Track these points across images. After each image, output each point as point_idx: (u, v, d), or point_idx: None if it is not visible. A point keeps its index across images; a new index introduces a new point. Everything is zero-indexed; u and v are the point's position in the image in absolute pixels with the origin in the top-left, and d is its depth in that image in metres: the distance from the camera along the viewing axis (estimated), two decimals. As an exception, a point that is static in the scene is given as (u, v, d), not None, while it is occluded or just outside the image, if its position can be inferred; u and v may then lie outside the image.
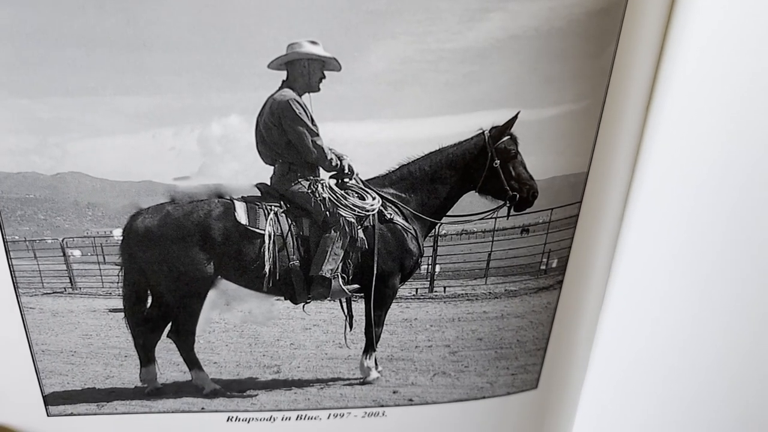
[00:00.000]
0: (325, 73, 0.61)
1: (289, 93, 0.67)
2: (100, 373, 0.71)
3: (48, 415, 0.69)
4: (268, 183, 0.72)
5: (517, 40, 0.57)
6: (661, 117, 0.63)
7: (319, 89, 0.64)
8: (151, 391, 0.71)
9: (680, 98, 0.62)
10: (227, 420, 0.70)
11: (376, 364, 0.73)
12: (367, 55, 0.58)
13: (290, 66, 0.64)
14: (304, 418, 0.71)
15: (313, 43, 0.58)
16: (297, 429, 0.72)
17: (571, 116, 0.62)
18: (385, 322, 0.76)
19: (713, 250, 0.65)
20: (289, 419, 0.71)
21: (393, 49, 0.57)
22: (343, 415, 0.71)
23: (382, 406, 0.71)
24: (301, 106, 0.68)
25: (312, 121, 0.68)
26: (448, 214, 0.77)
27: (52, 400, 0.69)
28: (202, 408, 0.70)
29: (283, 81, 0.65)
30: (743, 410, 0.70)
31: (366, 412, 0.71)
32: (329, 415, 0.71)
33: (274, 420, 0.71)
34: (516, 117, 0.61)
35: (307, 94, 0.67)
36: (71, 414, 0.69)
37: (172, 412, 0.71)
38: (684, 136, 0.63)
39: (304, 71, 0.65)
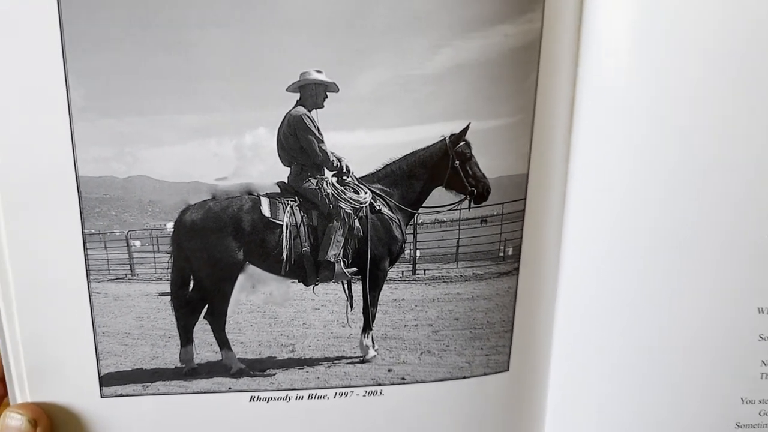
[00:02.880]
0: (328, 94, 0.71)
1: (301, 110, 0.75)
2: (148, 353, 0.73)
3: (101, 396, 0.70)
4: (286, 181, 0.79)
5: (462, 68, 0.66)
6: (582, 126, 0.70)
7: (323, 106, 0.73)
8: (188, 371, 0.73)
9: (595, 110, 0.70)
10: (250, 400, 0.71)
11: (373, 342, 0.76)
12: (356, 80, 0.67)
13: (302, 89, 0.72)
14: (315, 398, 0.72)
15: (318, 72, 0.68)
16: (308, 408, 0.72)
17: (509, 127, 0.69)
18: (378, 303, 0.80)
19: (641, 231, 0.70)
20: (302, 398, 0.72)
21: (374, 76, 0.66)
22: (347, 394, 0.72)
23: (380, 384, 0.72)
24: (311, 120, 0.77)
25: (318, 131, 0.77)
26: (423, 206, 0.86)
27: (106, 380, 0.69)
28: (229, 388, 0.72)
29: (297, 101, 0.73)
30: (702, 380, 0.71)
31: (366, 391, 0.72)
32: (335, 394, 0.72)
33: (289, 399, 0.72)
34: (468, 127, 0.69)
35: (314, 110, 0.75)
36: (120, 395, 0.70)
37: (204, 392, 0.71)
38: (603, 140, 0.70)
39: (312, 93, 0.73)
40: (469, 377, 0.73)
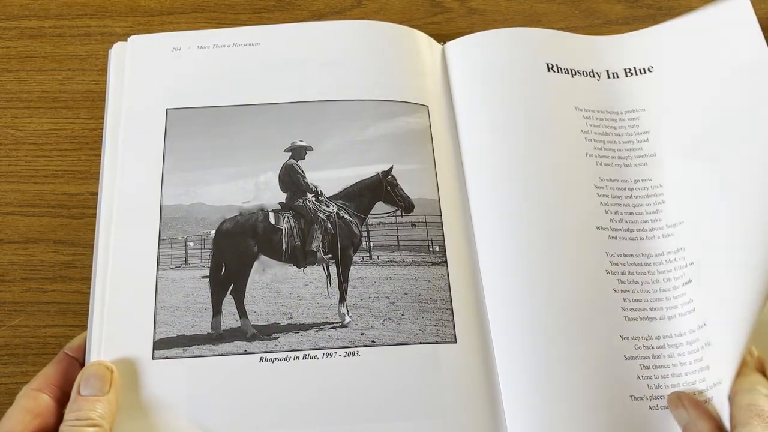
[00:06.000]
0: (307, 152, 0.87)
1: (292, 161, 0.89)
2: (189, 322, 0.77)
3: (153, 358, 0.73)
4: (284, 201, 0.91)
5: (385, 137, 0.85)
6: (468, 170, 0.86)
7: (305, 158, 0.88)
8: (216, 336, 0.77)
9: (473, 160, 0.85)
10: (260, 360, 0.74)
11: (347, 311, 0.81)
12: (324, 143, 0.86)
13: (293, 150, 0.88)
14: (308, 358, 0.74)
15: (301, 141, 0.86)
16: (303, 367, 0.74)
17: (419, 170, 0.85)
18: (348, 279, 0.87)
19: (521, 229, 0.80)
20: (299, 358, 0.74)
21: (334, 141, 0.85)
22: (331, 354, 0.74)
23: (356, 346, 0.75)
24: (298, 166, 0.90)
25: (302, 172, 0.90)
26: (371, 213, 0.97)
27: (158, 345, 0.74)
28: (245, 350, 0.75)
29: (290, 156, 0.87)
30: (583, 318, 0.76)
31: (346, 352, 0.74)
32: (323, 354, 0.74)
33: (289, 360, 0.74)
34: (392, 167, 0.86)
35: (300, 161, 0.89)
36: (167, 357, 0.73)
37: (227, 354, 0.74)
38: (481, 177, 0.84)
39: (299, 152, 0.88)
40: (424, 343, 0.75)
